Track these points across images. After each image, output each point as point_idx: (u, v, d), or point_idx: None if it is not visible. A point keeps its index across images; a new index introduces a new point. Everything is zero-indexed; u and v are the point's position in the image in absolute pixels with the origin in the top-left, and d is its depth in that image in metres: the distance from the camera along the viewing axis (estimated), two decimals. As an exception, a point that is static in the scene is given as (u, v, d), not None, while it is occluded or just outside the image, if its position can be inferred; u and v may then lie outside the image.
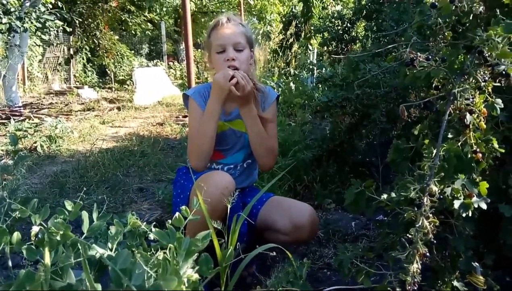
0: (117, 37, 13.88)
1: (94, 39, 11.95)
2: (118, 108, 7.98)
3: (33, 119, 5.82)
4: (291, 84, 5.44)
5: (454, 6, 1.11)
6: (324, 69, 3.05)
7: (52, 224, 0.82)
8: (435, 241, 1.08)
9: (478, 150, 1.11)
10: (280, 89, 5.42)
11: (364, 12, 3.82)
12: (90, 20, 11.73)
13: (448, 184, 1.08)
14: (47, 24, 6.90)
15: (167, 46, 17.07)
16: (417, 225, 1.01)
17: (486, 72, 1.06)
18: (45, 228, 0.84)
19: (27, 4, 6.92)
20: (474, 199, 1.10)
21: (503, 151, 1.15)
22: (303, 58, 7.83)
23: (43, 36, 7.74)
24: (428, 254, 1.05)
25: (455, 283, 1.19)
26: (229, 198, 1.36)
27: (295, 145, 2.91)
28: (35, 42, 11.15)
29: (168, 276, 0.64)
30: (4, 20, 6.19)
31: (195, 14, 14.67)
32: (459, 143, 1.09)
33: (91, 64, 14.45)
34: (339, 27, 4.43)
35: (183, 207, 0.96)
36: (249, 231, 1.70)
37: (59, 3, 8.01)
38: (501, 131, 1.25)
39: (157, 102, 8.83)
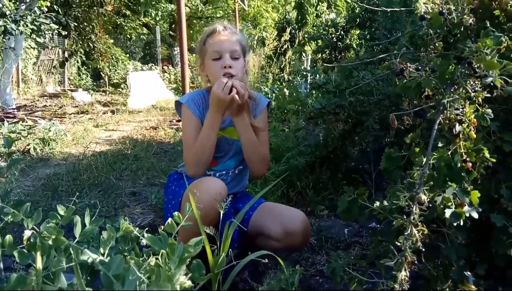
0: (112, 41, 13.84)
1: (89, 43, 11.92)
2: (112, 112, 7.96)
3: (26, 122, 5.79)
4: (285, 90, 5.45)
5: (444, 18, 1.12)
6: (317, 76, 3.07)
7: (44, 228, 0.82)
8: (426, 250, 1.09)
9: (468, 159, 1.12)
10: (274, 95, 5.43)
11: (358, 20, 3.85)
12: (85, 23, 11.70)
13: (438, 193, 1.09)
14: (42, 28, 6.89)
15: (162, 51, 17.07)
16: (406, 233, 1.01)
17: (476, 82, 1.07)
18: (37, 232, 0.84)
19: (23, 7, 6.91)
20: (466, 208, 1.11)
21: (494, 160, 1.16)
22: (297, 64, 7.86)
23: (38, 39, 7.72)
24: (416, 262, 1.05)
25: (447, 291, 1.19)
26: (221, 203, 1.36)
27: (289, 151, 2.91)
28: (29, 45, 11.10)
29: (161, 283, 0.65)
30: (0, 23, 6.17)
31: (190, 19, 14.69)
32: (449, 153, 1.10)
33: (85, 68, 14.42)
34: (332, 35, 4.46)
35: (176, 213, 0.96)
36: (240, 237, 1.70)
37: (55, 7, 7.99)
38: (493, 141, 1.26)
39: (151, 106, 8.82)
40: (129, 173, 3.68)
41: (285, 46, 8.10)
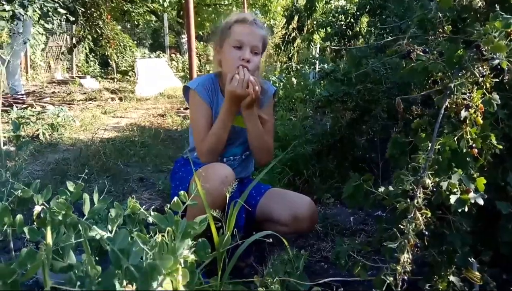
0: (119, 27, 13.84)
1: (97, 29, 11.90)
2: (120, 99, 7.99)
3: (35, 107, 5.83)
4: (293, 79, 5.45)
5: (453, 1, 1.11)
6: (326, 64, 3.05)
7: (54, 204, 0.84)
8: (431, 236, 1.09)
9: (474, 145, 1.12)
10: (281, 83, 5.43)
11: (368, 7, 3.81)
12: (93, 9, 11.67)
13: (444, 178, 1.09)
14: (50, 13, 6.89)
15: (170, 38, 17.03)
16: (409, 216, 1.02)
17: (484, 67, 1.06)
18: (48, 208, 0.86)
19: (31, -8, 6.91)
20: (471, 194, 1.11)
21: (501, 147, 1.16)
22: (306, 53, 7.83)
23: (46, 25, 7.74)
24: (421, 247, 1.06)
25: (451, 278, 1.20)
26: (228, 188, 1.37)
27: (296, 139, 2.92)
28: (38, 31, 11.15)
29: (164, 256, 0.66)
30: (7, 8, 6.19)
31: (198, 6, 14.61)
32: (455, 138, 1.10)
33: (93, 54, 14.44)
34: (342, 22, 4.43)
35: (182, 192, 0.97)
36: (247, 223, 1.72)
37: (63, -8, 7.99)
38: (501, 128, 1.26)
39: (158, 94, 8.83)
40: (136, 159, 3.71)
41: (293, 34, 8.05)
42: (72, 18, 8.37)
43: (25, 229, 0.87)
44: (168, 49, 15.84)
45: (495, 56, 1.01)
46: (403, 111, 1.25)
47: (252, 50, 1.73)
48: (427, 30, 1.30)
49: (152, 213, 0.88)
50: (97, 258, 0.95)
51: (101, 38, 12.15)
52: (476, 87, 1.08)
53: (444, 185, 1.10)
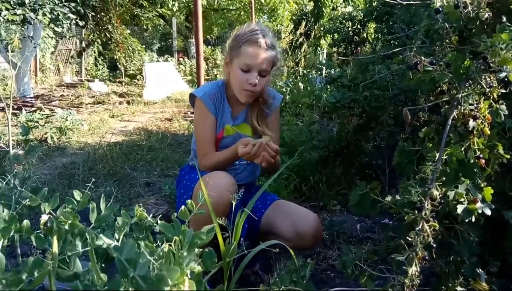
0: (128, 31, 13.92)
1: (106, 33, 11.99)
2: (128, 103, 8.03)
3: (44, 111, 5.88)
4: (300, 84, 5.45)
5: (460, 12, 1.11)
6: (333, 70, 3.05)
7: (61, 213, 0.84)
8: (438, 246, 1.08)
9: (481, 155, 1.11)
10: (288, 89, 5.43)
11: (375, 14, 3.81)
12: (102, 13, 11.76)
13: (451, 188, 1.09)
14: (60, 17, 6.96)
15: (178, 42, 17.11)
16: (417, 228, 1.01)
17: (491, 78, 1.06)
18: (54, 216, 0.86)
19: (41, -4, 6.98)
20: (478, 204, 1.10)
21: (508, 157, 1.15)
22: (312, 58, 7.83)
23: (56, 29, 7.80)
24: (428, 258, 1.05)
25: (459, 289, 1.19)
26: (231, 196, 1.37)
27: (302, 145, 2.91)
28: (48, 34, 11.24)
29: (171, 267, 0.66)
30: (19, 12, 6.26)
31: (206, 10, 14.69)
32: (462, 149, 1.09)
33: (102, 58, 14.53)
34: (349, 29, 4.42)
35: (189, 201, 0.98)
36: (250, 234, 1.70)
37: (73, -4, 8.05)
38: (508, 137, 1.25)
39: (166, 98, 8.87)
40: (143, 164, 3.72)
41: (301, 40, 8.06)
42: (81, 23, 8.45)
43: (32, 237, 0.87)
44: (176, 53, 15.92)
45: (502, 69, 1.01)
46: (403, 122, 1.25)
47: (260, 73, 1.72)
48: (434, 40, 1.30)
49: (159, 222, 0.88)
50: (103, 265, 0.96)
51: (110, 42, 12.23)
52: (483, 98, 1.08)
53: (451, 194, 1.09)
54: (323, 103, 3.42)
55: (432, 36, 1.32)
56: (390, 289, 1.05)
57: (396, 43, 3.02)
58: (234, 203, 1.33)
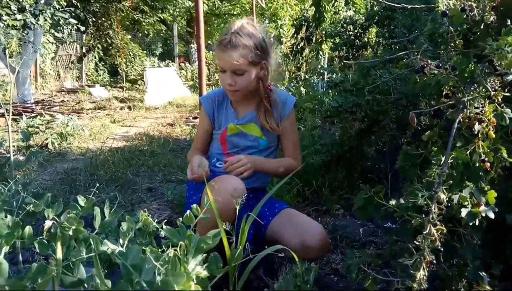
0: (129, 36, 13.97)
1: (107, 38, 12.02)
2: (129, 108, 8.03)
3: (44, 116, 5.88)
4: (302, 88, 5.45)
5: (465, 15, 1.11)
6: (334, 74, 3.05)
7: (65, 219, 0.84)
8: (443, 249, 1.08)
9: (486, 159, 1.11)
10: (290, 93, 5.42)
11: (376, 18, 3.81)
12: (103, 19, 11.80)
13: (456, 192, 1.08)
14: (61, 22, 6.98)
15: (179, 47, 17.15)
16: (424, 232, 1.01)
17: (496, 81, 1.06)
18: (58, 222, 0.86)
19: (42, 2, 7.00)
20: (482, 207, 1.10)
21: (511, 160, 1.15)
22: (314, 62, 7.84)
23: (56, 34, 7.83)
24: (435, 261, 1.05)
25: (462, 291, 1.19)
26: (238, 200, 1.37)
27: (305, 150, 2.90)
28: (48, 40, 11.26)
29: (177, 272, 0.65)
30: (19, 17, 6.27)
31: (208, 15, 14.74)
32: (467, 152, 1.09)
33: (103, 63, 14.56)
34: (350, 33, 4.43)
35: (194, 205, 0.97)
36: (255, 240, 1.69)
37: (73, 1, 8.08)
38: (511, 141, 1.25)
39: (167, 103, 8.87)
40: (145, 169, 3.72)
41: (302, 44, 8.07)
42: (82, 28, 8.47)
43: (35, 243, 0.87)
44: (178, 58, 15.95)
45: (509, 72, 1.00)
46: (409, 124, 1.25)
47: (235, 72, 1.73)
48: (438, 44, 1.29)
49: (164, 227, 0.88)
50: (106, 271, 0.95)
51: (111, 47, 12.27)
52: (488, 101, 1.08)
53: (456, 198, 1.09)
54: (325, 108, 3.41)
55: (436, 40, 1.32)
56: (395, 293, 1.04)
57: (397, 47, 3.03)
58: (237, 207, 1.32)
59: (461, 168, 1.11)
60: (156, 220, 1.00)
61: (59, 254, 0.77)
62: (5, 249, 0.87)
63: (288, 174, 1.79)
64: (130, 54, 13.11)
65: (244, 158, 1.70)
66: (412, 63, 1.14)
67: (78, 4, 8.48)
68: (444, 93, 1.20)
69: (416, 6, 1.60)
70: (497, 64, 1.03)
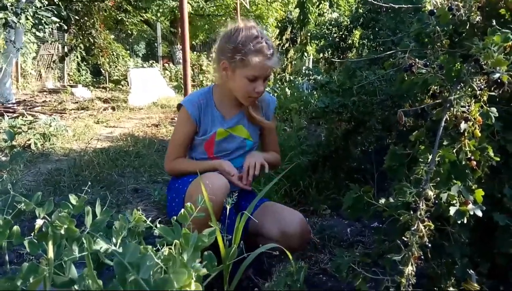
0: (112, 36, 13.82)
1: (90, 38, 11.88)
2: (113, 108, 7.95)
3: (26, 117, 5.78)
4: (287, 89, 5.47)
5: (452, 15, 1.13)
6: (320, 75, 3.07)
7: (56, 218, 0.83)
8: (431, 247, 1.09)
9: (472, 157, 1.13)
10: (275, 94, 5.45)
11: (361, 20, 3.86)
12: (86, 18, 11.66)
13: (443, 190, 1.10)
14: (43, 21, 6.88)
15: (163, 48, 17.05)
16: (412, 229, 1.02)
17: (482, 80, 1.08)
18: (49, 221, 0.85)
19: (24, 0, 6.90)
20: (470, 206, 1.12)
21: (498, 159, 1.17)
22: (299, 64, 7.87)
23: (38, 33, 7.71)
24: (423, 257, 1.06)
25: (451, 289, 1.20)
26: (223, 199, 1.37)
27: (291, 150, 2.92)
28: (29, 39, 11.07)
29: (178, 269, 0.65)
30: (0, 15, 6.17)
31: (192, 16, 14.67)
32: (454, 150, 1.11)
33: (85, 63, 14.38)
34: (335, 35, 4.47)
35: (188, 204, 0.97)
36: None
37: (55, 0, 7.96)
38: (497, 140, 1.27)
39: (152, 104, 8.81)
40: (131, 170, 3.69)
41: (287, 45, 8.10)
42: (64, 27, 8.35)
43: (25, 242, 0.86)
44: (161, 58, 15.85)
45: (495, 70, 1.03)
46: (397, 123, 1.27)
47: (265, 79, 1.75)
48: (424, 44, 1.31)
49: (158, 225, 0.87)
50: (95, 271, 0.94)
51: (93, 47, 12.13)
52: (474, 100, 1.10)
53: (444, 196, 1.11)
54: (311, 109, 3.43)
55: (422, 40, 1.34)
56: (384, 291, 1.06)
57: (382, 49, 3.06)
58: (228, 207, 1.33)
59: (448, 166, 1.13)
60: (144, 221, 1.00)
61: (51, 253, 0.77)
62: (-6, 249, 0.85)
63: (276, 167, 1.95)
64: (113, 54, 12.97)
65: (257, 158, 1.79)
66: (399, 63, 1.15)
67: (60, 3, 8.35)
68: (430, 93, 1.22)
69: (403, 6, 1.61)
70: (483, 63, 1.05)
